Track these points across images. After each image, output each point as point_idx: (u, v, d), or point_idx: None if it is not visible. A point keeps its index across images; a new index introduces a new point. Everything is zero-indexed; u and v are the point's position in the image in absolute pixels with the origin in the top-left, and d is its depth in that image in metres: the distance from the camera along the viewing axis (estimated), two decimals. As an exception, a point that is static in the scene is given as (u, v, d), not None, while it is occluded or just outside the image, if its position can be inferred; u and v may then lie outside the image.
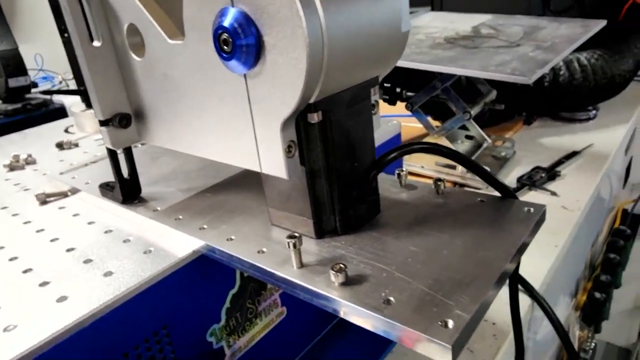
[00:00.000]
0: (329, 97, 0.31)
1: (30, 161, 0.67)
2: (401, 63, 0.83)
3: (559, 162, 1.01)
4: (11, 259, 0.42)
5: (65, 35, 0.81)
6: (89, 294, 0.35)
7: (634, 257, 1.28)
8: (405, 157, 0.98)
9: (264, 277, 0.33)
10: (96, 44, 0.40)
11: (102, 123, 0.42)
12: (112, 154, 0.44)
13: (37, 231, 0.46)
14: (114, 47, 0.41)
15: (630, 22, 1.52)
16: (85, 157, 0.66)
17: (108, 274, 0.38)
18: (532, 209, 0.36)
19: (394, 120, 0.60)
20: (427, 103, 0.97)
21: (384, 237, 0.35)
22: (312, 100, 0.30)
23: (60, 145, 0.71)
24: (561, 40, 0.82)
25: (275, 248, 0.35)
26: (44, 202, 0.53)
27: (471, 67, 0.72)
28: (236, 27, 0.29)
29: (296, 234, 0.32)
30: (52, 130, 0.84)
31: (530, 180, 0.92)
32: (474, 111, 0.94)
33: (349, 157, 0.34)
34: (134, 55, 0.39)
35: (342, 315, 0.29)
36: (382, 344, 0.57)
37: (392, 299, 0.28)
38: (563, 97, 1.14)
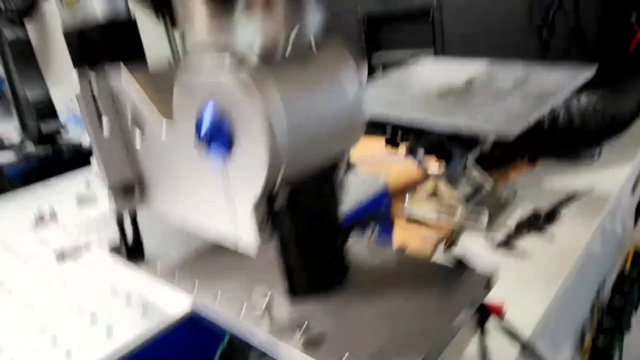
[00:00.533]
0: (296, 177, 0.36)
1: (52, 217, 0.73)
2: (396, 117, 0.88)
3: (559, 205, 1.02)
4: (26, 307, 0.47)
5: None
6: (89, 346, 0.40)
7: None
8: (407, 204, 1.02)
9: (241, 334, 0.38)
10: (105, 121, 0.46)
11: (109, 188, 0.48)
12: (118, 217, 0.50)
13: (63, 286, 0.52)
14: (119, 124, 0.47)
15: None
16: (101, 212, 0.73)
17: (109, 328, 0.43)
18: (479, 278, 0.39)
19: (380, 178, 0.65)
20: (433, 145, 1.01)
21: (348, 297, 0.39)
22: (279, 182, 0.35)
23: (80, 200, 0.78)
24: (549, 89, 0.86)
25: (253, 306, 0.40)
26: (61, 258, 0.59)
27: (459, 121, 0.76)
28: (214, 122, 0.34)
29: (267, 295, 0.36)
30: (73, 183, 0.90)
31: (528, 224, 0.94)
32: (474, 154, 0.97)
33: (317, 228, 0.39)
34: (137, 132, 0.46)
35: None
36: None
37: (343, 357, 0.32)
38: (563, 140, 1.16)
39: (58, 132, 1.42)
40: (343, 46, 0.38)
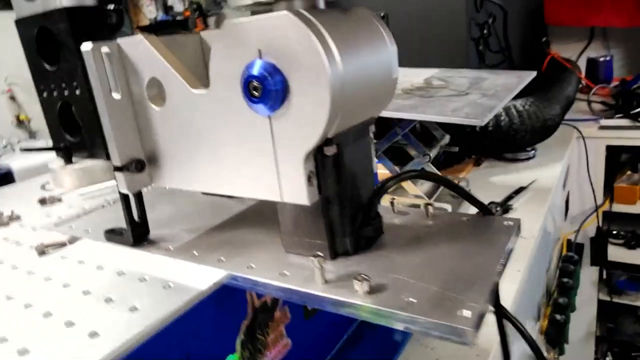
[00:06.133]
0: (341, 132, 0.37)
1: (14, 217, 0.67)
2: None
3: (510, 197, 1.11)
4: (27, 306, 0.42)
5: (44, 95, 0.83)
6: (117, 329, 0.37)
7: (582, 284, 1.39)
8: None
9: (290, 296, 0.37)
10: (116, 96, 0.44)
11: (118, 169, 0.45)
12: (125, 199, 0.47)
13: (46, 279, 0.47)
14: (131, 99, 0.45)
15: (552, 73, 1.74)
16: (73, 211, 0.67)
17: (133, 309, 0.40)
18: (510, 222, 0.42)
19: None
20: (387, 149, 1.06)
21: (389, 254, 0.40)
22: (329, 135, 0.35)
23: (43, 201, 0.72)
24: (501, 88, 0.94)
25: (295, 271, 0.39)
26: (42, 253, 0.53)
27: (430, 113, 0.81)
28: (266, 75, 0.34)
29: (320, 254, 0.36)
30: (28, 188, 0.83)
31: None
32: (432, 153, 1.03)
33: (356, 185, 0.40)
34: (152, 106, 0.44)
35: (371, 320, 0.33)
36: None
37: (412, 300, 0.33)
38: (505, 140, 1.27)
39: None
40: (366, 9, 0.40)
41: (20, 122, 2.84)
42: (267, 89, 0.34)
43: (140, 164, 0.46)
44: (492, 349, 0.67)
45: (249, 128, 0.37)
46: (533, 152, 1.39)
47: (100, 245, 0.52)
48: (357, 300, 0.34)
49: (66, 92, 0.80)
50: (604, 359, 1.80)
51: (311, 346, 0.56)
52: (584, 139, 1.59)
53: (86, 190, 0.73)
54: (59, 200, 0.73)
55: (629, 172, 1.65)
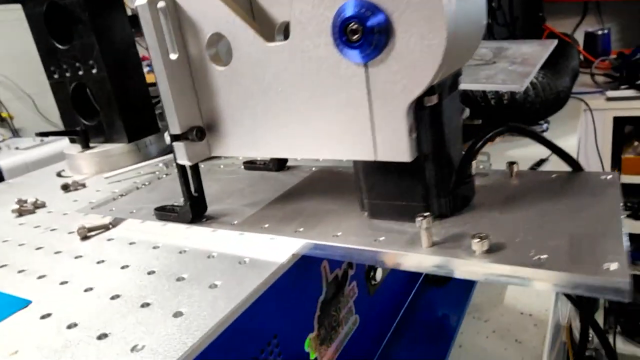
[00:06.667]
0: (441, 82, 0.33)
1: (39, 205, 0.62)
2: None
3: (533, 169, 1.09)
4: (87, 290, 0.38)
5: (55, 76, 0.78)
6: (203, 308, 0.33)
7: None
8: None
9: (397, 261, 0.34)
10: (173, 57, 0.40)
11: (176, 138, 0.41)
12: (183, 171, 0.43)
13: (98, 262, 0.43)
14: (187, 61, 0.41)
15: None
16: (100, 195, 0.63)
17: (213, 286, 0.36)
18: (608, 177, 0.39)
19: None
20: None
21: (489, 213, 0.37)
22: (435, 82, 0.32)
23: (65, 187, 0.67)
24: (528, 56, 0.91)
25: (392, 235, 0.36)
26: (85, 237, 0.49)
27: (465, 82, 0.78)
28: (367, 14, 0.30)
29: (426, 214, 0.33)
30: (43, 176, 0.78)
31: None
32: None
33: (451, 140, 0.36)
34: (214, 66, 0.40)
35: (501, 281, 0.30)
36: (445, 338, 0.57)
37: (542, 257, 0.30)
38: (521, 112, 1.25)
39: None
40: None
41: (2, 120, 2.74)
42: (368, 31, 0.31)
43: (201, 132, 0.42)
44: (548, 319, 0.65)
45: (338, 80, 0.34)
46: (546, 125, 1.37)
47: (149, 225, 0.48)
48: (482, 260, 0.30)
49: (80, 72, 0.74)
50: (613, 330, 1.82)
51: (374, 323, 0.54)
52: (591, 111, 1.59)
53: (112, 174, 0.68)
54: (83, 185, 0.68)
55: (636, 143, 1.65)
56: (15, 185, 0.75)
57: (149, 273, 0.40)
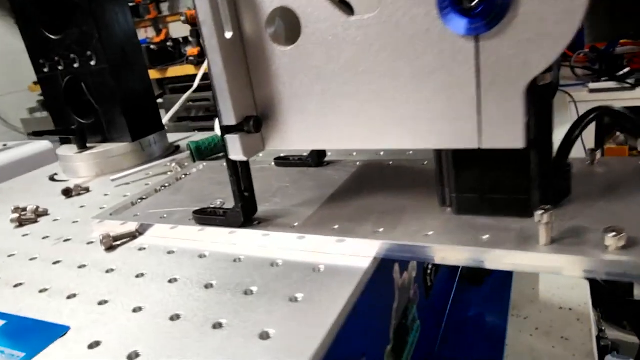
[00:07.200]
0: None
1: (41, 212, 0.55)
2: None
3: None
4: (135, 310, 0.33)
5: (44, 70, 0.70)
6: (290, 327, 0.28)
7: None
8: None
9: (510, 265, 0.30)
10: (228, 35, 0.34)
11: (230, 130, 0.36)
12: (234, 168, 0.38)
13: (137, 276, 0.37)
14: (241, 41, 0.35)
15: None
16: (110, 199, 0.56)
17: (293, 299, 0.31)
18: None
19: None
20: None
21: (595, 203, 0.34)
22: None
23: (67, 192, 0.60)
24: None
25: (495, 233, 0.32)
26: (110, 247, 0.43)
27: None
28: (486, -19, 0.26)
29: (546, 207, 0.29)
30: (34, 181, 0.70)
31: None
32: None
33: (552, 125, 0.33)
34: (276, 46, 0.34)
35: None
36: (496, 337, 0.54)
37: (691, 251, 0.26)
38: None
39: None
40: None
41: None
42: (484, 4, 0.26)
43: (258, 122, 0.36)
44: (589, 313, 0.63)
45: (438, 58, 0.30)
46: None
47: (182, 230, 0.42)
48: (616, 257, 0.27)
49: (75, 65, 0.67)
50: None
51: (430, 327, 0.50)
52: (575, 103, 1.61)
53: (119, 176, 0.62)
54: (87, 190, 0.61)
55: (617, 134, 1.69)
56: (5, 191, 0.67)
57: (205, 287, 0.34)
